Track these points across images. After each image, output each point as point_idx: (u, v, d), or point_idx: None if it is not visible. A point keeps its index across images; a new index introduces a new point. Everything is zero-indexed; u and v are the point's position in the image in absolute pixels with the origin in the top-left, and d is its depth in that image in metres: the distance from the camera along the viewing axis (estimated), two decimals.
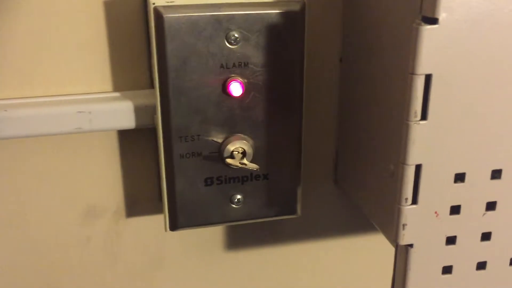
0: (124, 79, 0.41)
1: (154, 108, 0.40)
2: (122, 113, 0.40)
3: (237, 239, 0.49)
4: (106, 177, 0.44)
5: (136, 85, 0.41)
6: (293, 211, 0.43)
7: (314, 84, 0.43)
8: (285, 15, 0.37)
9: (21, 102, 0.39)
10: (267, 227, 0.48)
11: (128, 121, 0.40)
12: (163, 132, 0.38)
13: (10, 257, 0.44)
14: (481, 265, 0.36)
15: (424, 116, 0.30)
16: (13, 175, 0.42)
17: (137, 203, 0.45)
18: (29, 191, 0.43)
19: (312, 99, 0.44)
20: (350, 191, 0.44)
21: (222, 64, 0.37)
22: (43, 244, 0.45)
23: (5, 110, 0.38)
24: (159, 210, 0.46)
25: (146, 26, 0.40)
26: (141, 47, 0.40)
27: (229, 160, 0.39)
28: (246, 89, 0.38)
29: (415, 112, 0.30)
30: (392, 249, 0.36)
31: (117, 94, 0.41)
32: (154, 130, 0.41)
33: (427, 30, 0.28)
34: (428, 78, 0.29)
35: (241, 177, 0.41)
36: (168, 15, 0.35)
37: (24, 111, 0.38)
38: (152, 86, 0.41)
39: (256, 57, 0.37)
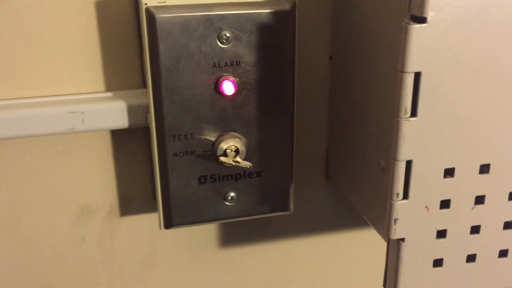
0: (116, 78, 0.41)
1: (146, 107, 0.40)
2: (115, 113, 0.40)
3: (230, 236, 0.49)
4: (99, 176, 0.44)
5: (128, 85, 0.42)
6: (286, 208, 0.43)
7: (305, 81, 0.44)
8: (276, 14, 0.37)
9: (13, 103, 0.39)
10: (260, 224, 0.49)
11: (121, 121, 0.40)
12: (157, 132, 0.38)
13: (5, 258, 0.44)
14: (471, 258, 0.36)
15: (414, 113, 0.31)
16: (6, 176, 0.42)
17: (130, 202, 0.45)
18: (23, 191, 0.43)
19: (303, 96, 0.44)
20: (342, 187, 0.44)
21: (214, 63, 0.37)
22: (38, 244, 0.45)
23: None
24: (153, 209, 0.46)
25: (138, 26, 0.40)
26: (132, 47, 0.41)
27: (222, 158, 0.39)
28: (238, 88, 0.38)
29: (405, 109, 0.31)
30: (383, 244, 0.36)
31: (109, 94, 0.41)
32: (147, 129, 0.41)
33: (415, 29, 0.29)
34: (417, 75, 0.30)
35: (234, 175, 0.41)
36: (160, 16, 0.35)
37: (17, 112, 0.38)
38: (144, 85, 0.42)
39: (248, 56, 0.38)
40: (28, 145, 0.41)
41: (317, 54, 0.44)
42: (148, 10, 0.35)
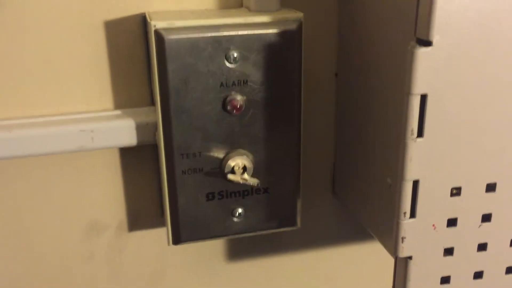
0: (124, 97, 0.42)
1: (154, 125, 0.40)
2: (124, 131, 0.41)
3: (238, 251, 0.49)
4: (108, 193, 0.44)
5: (136, 103, 0.42)
6: (293, 223, 0.44)
7: (311, 98, 0.44)
8: (283, 34, 0.37)
9: (24, 122, 0.40)
10: (267, 239, 0.49)
11: (130, 139, 0.41)
12: (165, 149, 0.39)
13: (14, 273, 0.45)
14: (478, 275, 0.37)
15: (420, 134, 0.31)
16: (17, 193, 0.42)
17: (138, 218, 0.46)
18: (33, 208, 0.43)
19: (309, 112, 0.45)
20: (348, 202, 0.45)
21: (222, 83, 0.38)
22: (47, 260, 0.45)
23: (9, 131, 0.39)
24: (161, 224, 0.46)
25: (146, 45, 0.41)
26: (140, 65, 0.41)
27: (230, 176, 0.39)
28: (246, 106, 0.39)
29: (412, 130, 0.31)
30: (390, 258, 0.37)
31: (118, 112, 0.41)
32: (154, 146, 0.42)
33: (421, 52, 0.29)
34: (423, 97, 0.30)
35: (242, 191, 0.41)
36: (169, 37, 0.36)
37: (28, 131, 0.39)
38: (152, 103, 0.42)
39: (255, 75, 0.38)
40: (38, 162, 0.42)
41: (323, 70, 0.44)
42: (157, 32, 0.36)
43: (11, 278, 0.45)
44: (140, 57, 0.41)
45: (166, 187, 0.40)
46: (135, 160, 0.44)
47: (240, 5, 0.41)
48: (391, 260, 0.37)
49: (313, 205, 0.48)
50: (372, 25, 0.36)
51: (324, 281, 0.53)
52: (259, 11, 0.39)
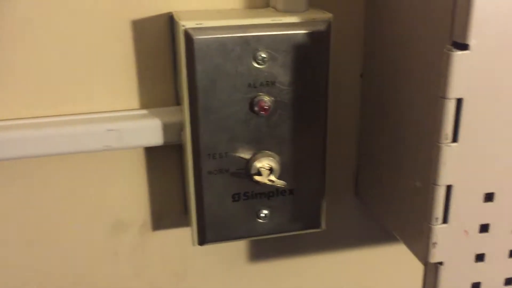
0: (150, 96, 0.42)
1: (180, 125, 0.40)
2: (150, 131, 0.41)
3: (260, 251, 0.49)
4: (132, 192, 0.44)
5: (160, 102, 0.42)
6: (318, 225, 0.43)
7: (336, 98, 0.44)
8: (311, 35, 0.37)
9: (53, 120, 0.40)
10: (289, 240, 0.49)
11: (156, 138, 0.41)
12: (192, 150, 0.39)
13: (40, 270, 0.45)
14: (509, 281, 0.36)
15: (455, 138, 0.31)
16: (43, 191, 0.43)
17: (162, 217, 0.46)
18: (59, 206, 0.43)
19: (333, 113, 0.44)
20: (372, 205, 0.44)
21: (249, 83, 0.38)
22: (73, 257, 0.45)
23: (38, 129, 0.39)
24: (184, 224, 0.46)
25: (172, 44, 0.40)
26: (166, 65, 0.41)
27: (257, 178, 0.39)
28: (273, 107, 0.38)
29: (446, 135, 0.30)
30: (414, 260, 0.36)
31: (144, 111, 0.41)
32: (178, 146, 0.42)
33: (458, 56, 0.29)
34: (459, 101, 0.30)
35: (267, 193, 0.41)
36: (198, 37, 0.36)
37: (56, 129, 0.39)
38: (177, 103, 0.42)
39: (283, 76, 0.38)
40: (65, 161, 0.42)
41: (347, 71, 0.44)
42: (186, 32, 0.36)
43: (37, 274, 0.45)
44: (165, 56, 0.41)
45: (193, 187, 0.40)
46: (159, 160, 0.44)
47: (267, 5, 0.41)
48: (415, 263, 0.37)
49: (335, 207, 0.48)
50: (403, 26, 0.35)
51: (346, 284, 0.53)
52: (287, 11, 0.38)
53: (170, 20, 0.40)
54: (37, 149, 0.39)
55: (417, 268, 0.39)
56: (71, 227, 0.44)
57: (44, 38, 0.38)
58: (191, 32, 0.36)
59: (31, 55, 0.38)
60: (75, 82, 0.40)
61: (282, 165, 0.40)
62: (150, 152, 0.43)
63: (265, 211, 0.42)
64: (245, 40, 0.36)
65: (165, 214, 0.46)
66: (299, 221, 0.43)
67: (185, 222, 0.46)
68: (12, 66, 0.38)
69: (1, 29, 0.37)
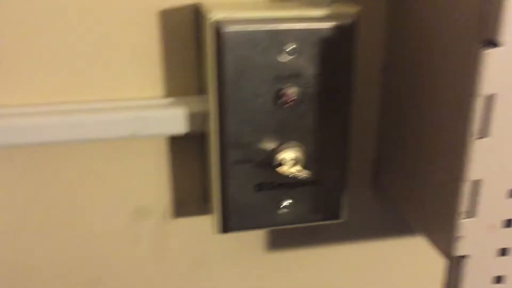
0: (174, 85, 0.42)
1: (204, 115, 0.40)
2: (175, 119, 0.41)
3: (279, 241, 0.50)
4: (154, 179, 0.45)
5: (184, 91, 0.42)
6: (339, 216, 0.44)
7: (357, 91, 0.44)
8: (338, 29, 0.37)
9: (78, 107, 0.40)
10: (308, 230, 0.49)
11: (181, 127, 0.41)
12: (218, 139, 0.39)
13: (64, 252, 0.46)
14: None
15: (485, 134, 0.31)
16: (68, 177, 0.43)
17: (183, 205, 0.46)
18: (83, 192, 0.44)
19: (355, 106, 0.44)
20: (392, 197, 0.45)
21: (276, 75, 0.38)
22: (95, 242, 0.46)
23: (66, 116, 0.39)
24: (204, 212, 0.47)
25: (197, 34, 0.41)
26: (190, 54, 0.41)
27: (281, 168, 0.39)
28: (299, 99, 0.39)
29: (476, 130, 0.31)
30: (432, 253, 0.37)
31: (169, 100, 0.42)
32: (200, 135, 0.42)
33: (489, 53, 0.29)
34: (490, 97, 0.30)
35: (291, 183, 0.42)
36: (227, 29, 0.36)
37: (83, 116, 0.40)
38: (200, 92, 0.42)
39: (309, 68, 0.38)
40: (89, 148, 0.43)
41: (370, 64, 0.44)
42: (215, 23, 0.36)
43: (60, 258, 0.46)
44: (190, 46, 0.41)
45: (217, 176, 0.40)
46: (182, 148, 0.44)
47: None
48: (434, 256, 0.37)
49: (355, 199, 0.48)
50: (428, 21, 0.35)
51: (364, 275, 0.53)
52: (313, 3, 0.38)
53: (195, 11, 0.40)
54: (64, 135, 0.39)
55: (435, 260, 0.40)
56: (93, 212, 0.45)
57: (75, 25, 0.39)
58: (220, 24, 0.36)
59: (62, 42, 0.39)
60: (102, 69, 0.40)
61: (306, 156, 0.41)
62: (173, 141, 0.44)
63: (288, 202, 0.42)
64: (274, 33, 0.36)
65: (185, 202, 0.46)
66: (321, 212, 0.43)
67: (204, 210, 0.47)
68: (41, 52, 0.39)
69: (33, 14, 0.38)
